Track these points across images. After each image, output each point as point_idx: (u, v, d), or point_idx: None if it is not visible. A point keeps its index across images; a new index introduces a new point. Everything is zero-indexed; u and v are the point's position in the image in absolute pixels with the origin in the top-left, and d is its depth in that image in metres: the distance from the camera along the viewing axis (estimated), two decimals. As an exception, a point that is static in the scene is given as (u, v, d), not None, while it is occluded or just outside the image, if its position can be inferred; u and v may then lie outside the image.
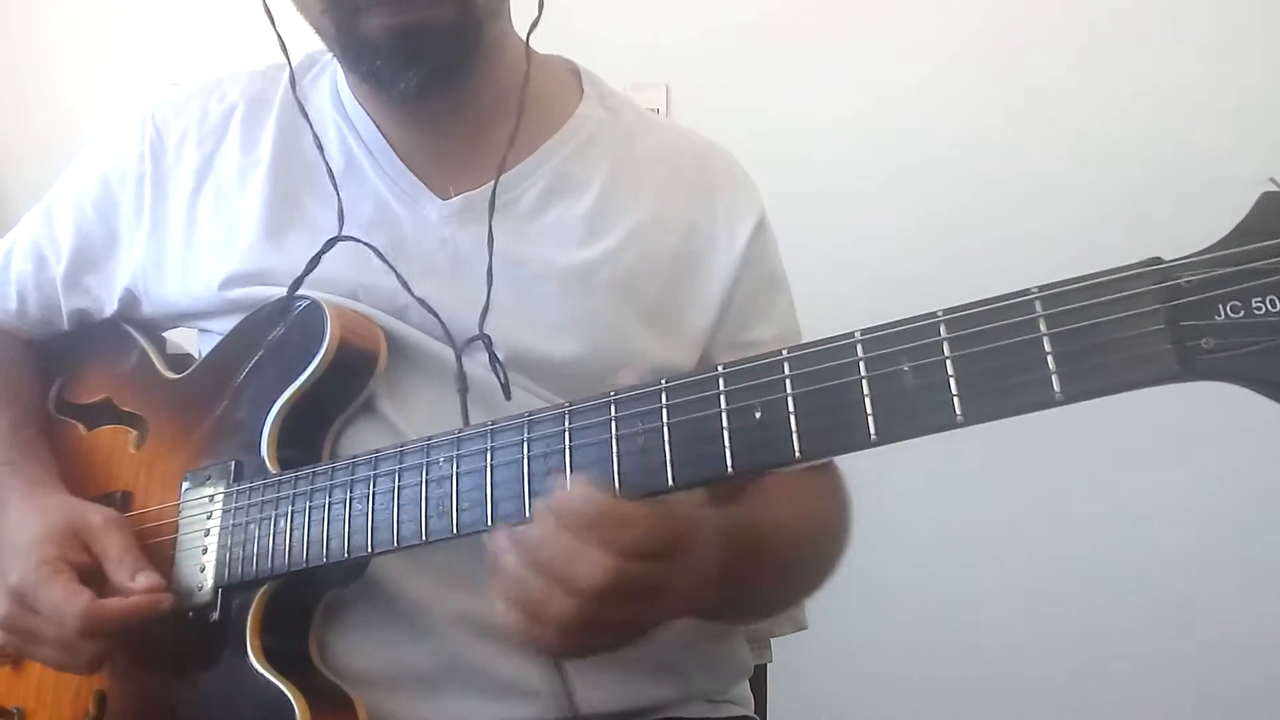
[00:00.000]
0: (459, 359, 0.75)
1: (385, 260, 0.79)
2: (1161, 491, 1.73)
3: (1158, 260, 0.45)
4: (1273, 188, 0.44)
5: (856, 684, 1.70)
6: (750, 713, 0.89)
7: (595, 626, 0.57)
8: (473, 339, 0.75)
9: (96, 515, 0.78)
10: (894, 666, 1.73)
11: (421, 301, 0.77)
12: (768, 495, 0.78)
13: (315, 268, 0.78)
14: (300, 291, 0.79)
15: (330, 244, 0.79)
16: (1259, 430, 1.49)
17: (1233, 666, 1.69)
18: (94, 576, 0.75)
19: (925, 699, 1.72)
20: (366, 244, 0.79)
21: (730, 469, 0.53)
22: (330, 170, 0.82)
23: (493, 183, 0.81)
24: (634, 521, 0.55)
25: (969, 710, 1.73)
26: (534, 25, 0.85)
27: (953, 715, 1.74)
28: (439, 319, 0.77)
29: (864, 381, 0.50)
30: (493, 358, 0.75)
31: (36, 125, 1.97)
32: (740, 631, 0.89)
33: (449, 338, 0.76)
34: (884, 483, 1.50)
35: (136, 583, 0.73)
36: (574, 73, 0.91)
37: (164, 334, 0.96)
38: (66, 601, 0.72)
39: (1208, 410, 1.48)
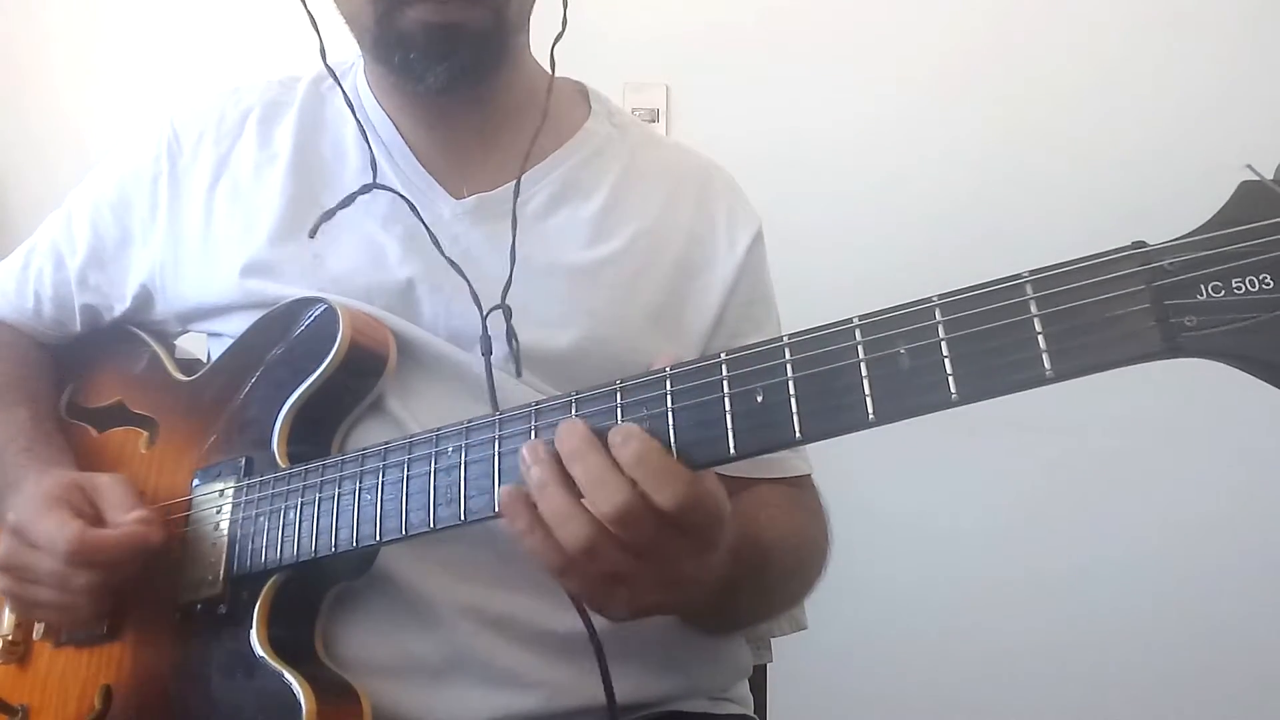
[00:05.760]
0: (484, 323, 0.78)
1: (416, 213, 0.81)
2: (1160, 495, 1.75)
3: (1143, 244, 0.47)
4: (1251, 176, 0.46)
5: (856, 684, 1.70)
6: (750, 712, 0.90)
7: (593, 567, 0.58)
8: (495, 307, 0.78)
9: (103, 475, 0.81)
10: (893, 667, 1.73)
11: (452, 262, 0.80)
12: (767, 512, 0.80)
13: (349, 205, 0.81)
14: (313, 294, 0.81)
15: (366, 189, 0.82)
16: (1257, 432, 1.51)
17: (1233, 668, 1.69)
18: (95, 524, 0.77)
19: (925, 700, 1.72)
20: (399, 194, 0.82)
21: (733, 451, 0.55)
22: (361, 127, 0.85)
23: (508, 185, 0.85)
24: (677, 478, 0.55)
25: (968, 711, 1.73)
26: (558, 38, 0.89)
27: (952, 716, 1.74)
28: (465, 278, 0.79)
29: (862, 364, 0.52)
30: (510, 331, 0.77)
31: (34, 134, 2.00)
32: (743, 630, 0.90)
33: (474, 298, 0.78)
34: (885, 486, 1.52)
35: (128, 518, 0.75)
36: (581, 92, 0.96)
37: (174, 341, 0.98)
38: (58, 529, 0.74)
39: (1205, 413, 1.50)
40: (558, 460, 0.58)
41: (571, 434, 0.58)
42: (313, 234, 0.80)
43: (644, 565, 0.58)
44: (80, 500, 0.78)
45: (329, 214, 0.80)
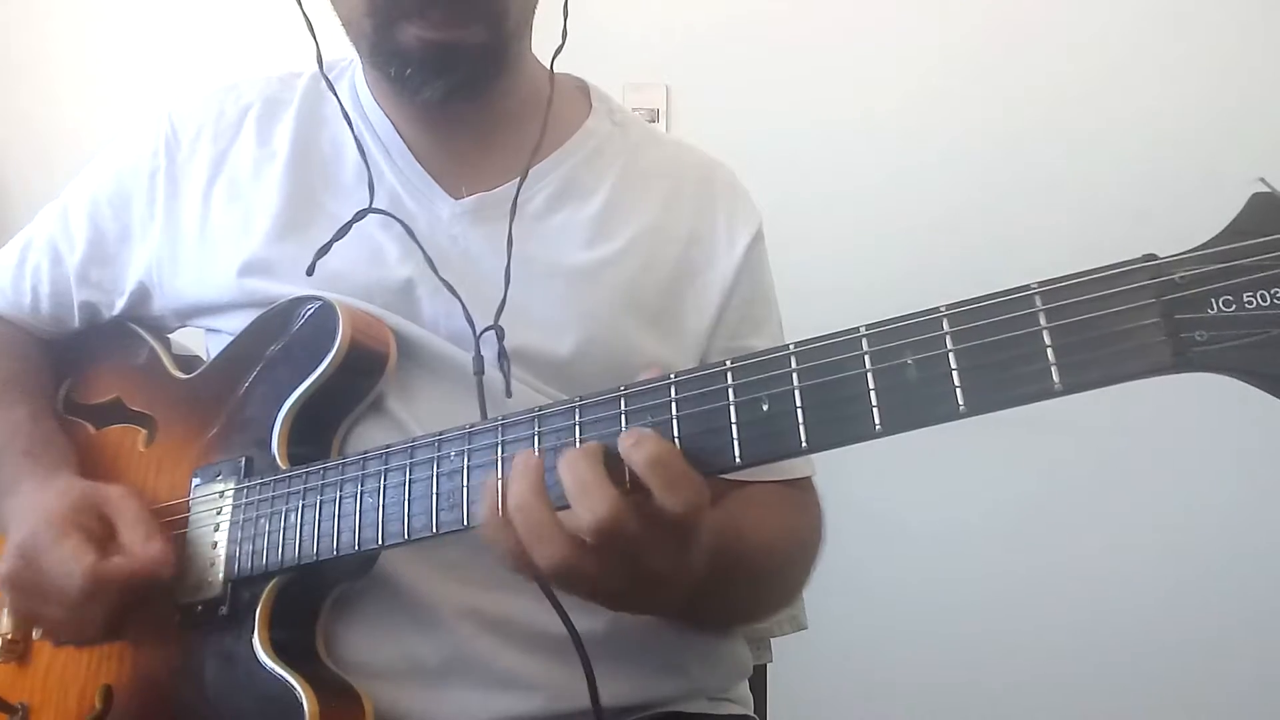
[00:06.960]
0: (476, 342, 0.76)
1: (414, 237, 0.80)
2: (1161, 494, 1.76)
3: (1153, 257, 0.47)
4: (1263, 188, 0.46)
5: (856, 684, 1.71)
6: (750, 712, 0.90)
7: (564, 581, 0.58)
8: (488, 328, 0.77)
9: (114, 489, 0.79)
10: (893, 667, 1.74)
11: (446, 284, 0.79)
12: (752, 511, 0.80)
13: (343, 237, 0.79)
14: (313, 292, 0.80)
15: (361, 214, 0.80)
16: (1258, 433, 1.51)
17: (1234, 667, 1.70)
18: (106, 545, 0.76)
19: (924, 700, 1.73)
20: (395, 218, 0.81)
21: (738, 460, 0.55)
22: (359, 142, 0.84)
23: (507, 185, 0.84)
24: (691, 484, 0.55)
25: (968, 710, 1.74)
26: (558, 51, 0.89)
27: (952, 715, 1.74)
28: (460, 300, 0.78)
29: (869, 374, 0.51)
30: (502, 352, 0.76)
31: (34, 134, 1.99)
32: (740, 631, 0.90)
33: (469, 320, 0.77)
34: (885, 486, 1.52)
35: (145, 548, 0.74)
36: (582, 89, 0.95)
37: (170, 335, 0.98)
38: (72, 559, 0.72)
39: (1207, 413, 1.50)
40: (540, 474, 0.58)
41: (573, 449, 0.57)
42: (310, 272, 0.79)
43: (617, 570, 0.57)
44: (91, 519, 0.76)
45: (324, 249, 0.79)
